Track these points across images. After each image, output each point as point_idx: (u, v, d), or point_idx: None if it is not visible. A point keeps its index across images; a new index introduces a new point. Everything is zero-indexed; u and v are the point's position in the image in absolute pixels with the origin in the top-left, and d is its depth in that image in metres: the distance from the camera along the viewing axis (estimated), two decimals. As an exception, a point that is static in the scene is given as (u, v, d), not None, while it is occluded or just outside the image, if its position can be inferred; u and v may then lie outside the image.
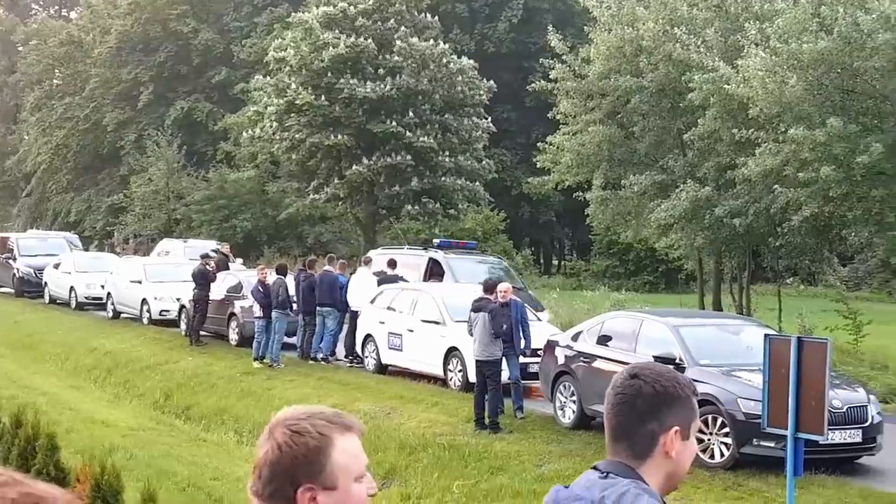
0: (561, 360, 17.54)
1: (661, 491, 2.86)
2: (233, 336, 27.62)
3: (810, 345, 8.42)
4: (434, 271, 27.47)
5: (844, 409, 13.92)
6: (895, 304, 44.81)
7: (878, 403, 15.12)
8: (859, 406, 14.26)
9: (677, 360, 14.99)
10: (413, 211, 46.82)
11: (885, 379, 21.58)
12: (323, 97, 43.66)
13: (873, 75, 23.56)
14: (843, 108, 24.35)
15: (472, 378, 18.93)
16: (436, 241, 30.71)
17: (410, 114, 44.58)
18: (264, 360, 24.06)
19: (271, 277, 24.57)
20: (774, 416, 8.65)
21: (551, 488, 2.93)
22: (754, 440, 13.53)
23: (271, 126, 45.43)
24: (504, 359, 17.58)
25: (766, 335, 9.10)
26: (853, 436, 14.04)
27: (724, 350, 15.85)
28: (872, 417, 14.34)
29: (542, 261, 74.87)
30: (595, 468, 2.89)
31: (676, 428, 2.84)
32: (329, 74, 43.84)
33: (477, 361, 17.38)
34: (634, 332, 16.71)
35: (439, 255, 27.93)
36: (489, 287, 17.83)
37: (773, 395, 8.63)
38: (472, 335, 17.58)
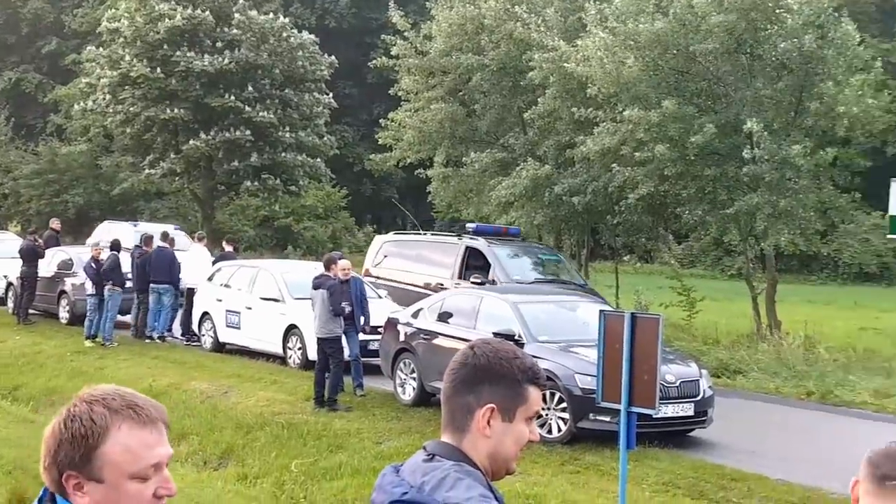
0: (401, 338, 17.54)
1: (488, 471, 2.79)
2: (63, 314, 26.86)
3: (643, 320, 8.55)
4: (471, 264, 23.16)
5: (677, 384, 14.25)
6: (727, 281, 46.22)
7: (710, 378, 15.51)
8: (691, 380, 14.62)
9: (517, 337, 15.13)
10: (252, 187, 46.27)
11: (717, 354, 22.22)
12: (159, 70, 42.75)
13: (707, 57, 24.12)
14: (678, 89, 24.89)
15: (312, 356, 18.81)
16: (471, 225, 25.21)
17: (250, 88, 43.99)
18: (96, 339, 23.45)
19: (105, 254, 23.92)
20: (609, 390, 8.76)
21: (385, 468, 2.85)
22: (591, 415, 13.75)
23: (104, 99, 44.25)
24: (344, 336, 17.49)
25: (601, 311, 9.22)
26: (685, 409, 14.38)
27: (562, 326, 16.06)
28: (704, 391, 14.71)
29: (383, 238, 74.81)
30: (424, 448, 2.82)
31: (492, 406, 2.75)
32: (165, 46, 42.92)
33: (318, 339, 17.25)
34: (475, 309, 16.80)
35: (480, 243, 23.46)
36: (328, 263, 17.69)
37: (608, 371, 8.74)
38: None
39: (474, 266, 22.84)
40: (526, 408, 2.81)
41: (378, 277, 24.30)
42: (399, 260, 24.66)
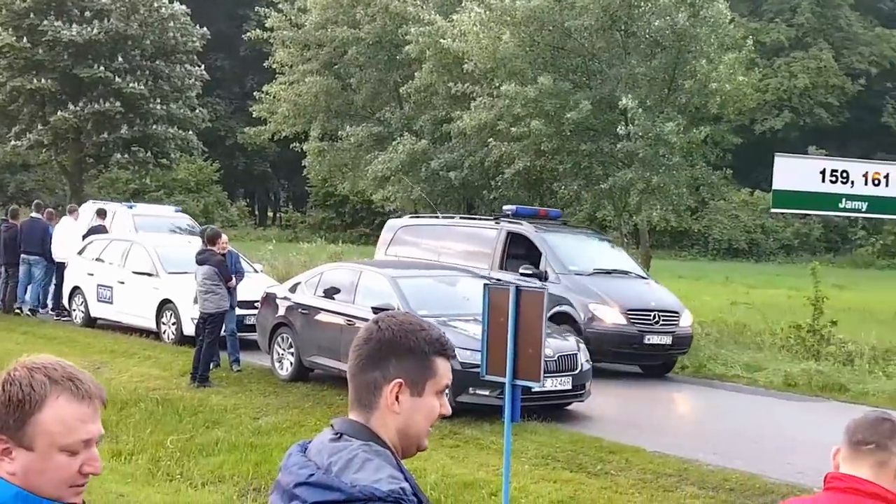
0: (279, 312, 17.36)
1: (398, 449, 2.73)
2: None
3: (527, 294, 8.56)
4: (513, 252, 20.14)
5: (556, 358, 14.35)
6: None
7: (587, 351, 15.69)
8: (570, 354, 14.75)
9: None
10: (123, 160, 45.31)
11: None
12: (25, 39, 41.51)
13: (582, 34, 24.34)
14: (554, 65, 25.08)
15: (188, 331, 18.48)
16: (509, 207, 21.43)
17: (119, 59, 43.00)
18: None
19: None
20: (493, 364, 8.77)
21: (292, 446, 2.76)
22: (470, 389, 13.78)
23: (-32, 68, 42.81)
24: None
25: (485, 284, 9.21)
26: (564, 383, 14.50)
27: (441, 301, 16.04)
28: (582, 365, 14.86)
29: (257, 212, 74.33)
30: (331, 426, 2.74)
31: (399, 380, 2.68)
32: (31, 15, 41.69)
33: (203, 314, 16.92)
34: (353, 284, 16.69)
35: (526, 228, 20.12)
36: (214, 238, 17.37)
37: (493, 344, 8.75)
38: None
39: (517, 255, 19.97)
40: (435, 381, 2.74)
41: None
42: (418, 250, 21.44)
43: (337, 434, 2.68)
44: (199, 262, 16.87)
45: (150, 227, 26.00)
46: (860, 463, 3.32)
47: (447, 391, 2.86)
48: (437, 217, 23.12)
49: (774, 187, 14.73)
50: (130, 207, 28.82)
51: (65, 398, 2.41)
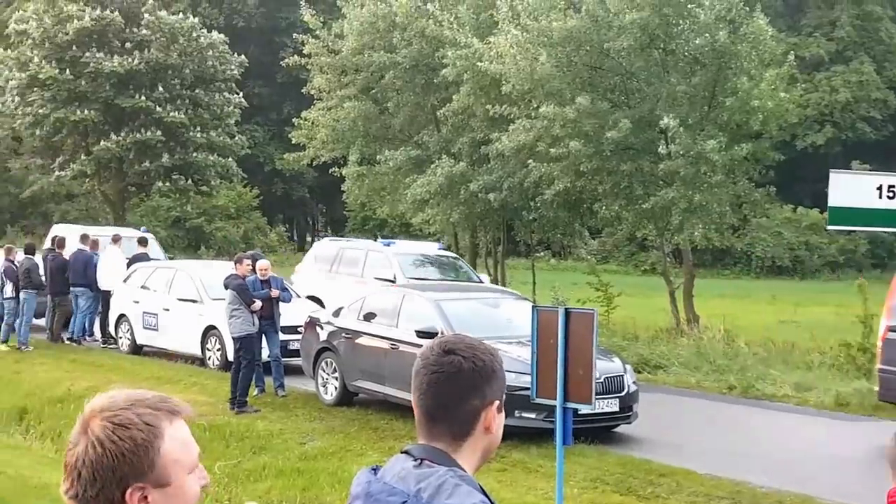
0: (322, 337, 17.35)
1: (477, 468, 2.73)
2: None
3: (577, 315, 8.51)
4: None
5: (602, 379, 14.22)
6: (641, 276, 46.70)
7: (633, 373, 15.56)
8: (616, 376, 14.64)
9: (439, 334, 15.02)
10: (164, 188, 45.80)
11: (637, 349, 22.26)
12: (68, 71, 42.09)
13: (620, 53, 24.25)
14: (591, 85, 25.00)
15: (231, 357, 18.54)
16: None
17: (160, 88, 43.48)
18: (9, 343, 22.92)
19: (19, 257, 23.44)
20: (543, 386, 8.71)
21: (359, 473, 2.72)
22: (517, 412, 13.70)
23: (13, 101, 43.46)
24: (264, 336, 17.28)
25: (533, 306, 9.17)
26: (611, 405, 14.39)
27: (485, 323, 15.95)
28: (628, 387, 14.74)
29: (296, 237, 74.50)
30: (408, 453, 2.70)
31: (497, 401, 2.73)
32: (74, 48, 42.28)
33: (233, 338, 17.00)
34: (396, 307, 16.66)
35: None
36: (236, 261, 17.52)
37: (542, 367, 8.68)
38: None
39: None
40: (505, 390, 2.83)
41: None
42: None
43: (418, 460, 2.65)
44: (225, 287, 17.00)
45: None
46: None
47: None
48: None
49: (830, 204, 14.49)
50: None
51: (169, 421, 2.31)
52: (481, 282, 23.01)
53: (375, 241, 25.66)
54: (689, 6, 23.34)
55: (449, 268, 23.97)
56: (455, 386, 2.69)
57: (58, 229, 27.98)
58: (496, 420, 2.73)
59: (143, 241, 25.04)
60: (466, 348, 2.74)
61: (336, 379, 17.04)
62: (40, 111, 42.96)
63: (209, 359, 20.52)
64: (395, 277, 22.05)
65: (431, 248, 25.93)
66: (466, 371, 2.69)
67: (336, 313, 17.64)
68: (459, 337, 2.83)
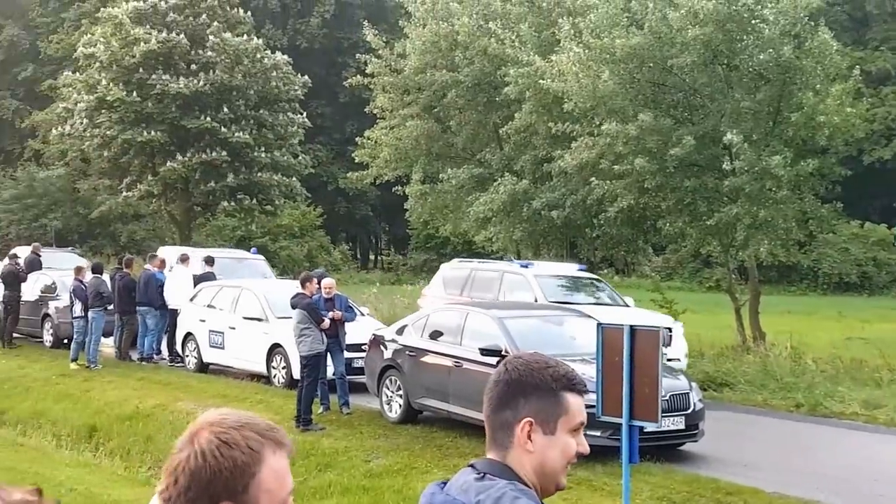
0: (387, 355, 17.42)
1: (537, 488, 2.72)
2: (47, 337, 26.74)
3: (642, 332, 8.49)
4: None
5: (667, 397, 14.16)
6: (705, 293, 46.32)
7: (699, 391, 15.46)
8: (681, 393, 14.55)
9: (503, 352, 15.02)
10: (229, 207, 46.23)
11: (702, 366, 22.12)
12: (135, 93, 42.69)
13: (683, 69, 24.15)
14: (654, 102, 24.92)
15: (297, 375, 18.65)
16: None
17: (225, 109, 43.95)
18: (79, 361, 23.28)
19: (87, 276, 23.83)
20: (609, 404, 8.69)
21: (428, 486, 2.77)
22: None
23: (81, 123, 44.16)
24: (329, 354, 17.39)
25: (599, 324, 9.15)
26: (676, 423, 14.31)
27: (549, 340, 15.91)
28: (694, 405, 14.64)
29: (359, 256, 74.85)
30: (472, 466, 2.74)
31: (529, 419, 2.70)
32: (141, 70, 42.87)
33: (302, 357, 17.14)
34: (460, 325, 16.69)
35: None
36: (303, 281, 17.63)
37: (607, 384, 8.68)
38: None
39: None
40: (567, 418, 2.74)
41: None
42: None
43: (480, 473, 2.69)
44: (292, 306, 17.11)
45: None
46: None
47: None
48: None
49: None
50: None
51: (271, 451, 2.33)
52: (627, 305, 21.44)
53: (511, 261, 23.88)
54: (753, 21, 23.18)
55: (590, 289, 22.45)
56: (492, 395, 2.75)
57: (164, 251, 28.19)
58: (538, 440, 2.71)
59: (209, 261, 25.33)
60: (516, 362, 2.77)
61: (400, 396, 17.10)
62: (108, 133, 43.58)
63: (274, 377, 20.66)
64: (536, 300, 20.67)
65: (570, 268, 24.15)
66: (502, 382, 2.74)
67: (400, 331, 17.71)
68: (531, 353, 2.86)
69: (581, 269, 23.88)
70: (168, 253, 27.76)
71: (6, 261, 28.03)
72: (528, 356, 2.82)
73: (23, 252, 32.84)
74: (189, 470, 2.29)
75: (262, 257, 29.56)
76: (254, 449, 2.30)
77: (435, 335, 16.96)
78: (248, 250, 31.44)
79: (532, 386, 2.71)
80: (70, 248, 35.84)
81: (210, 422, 2.34)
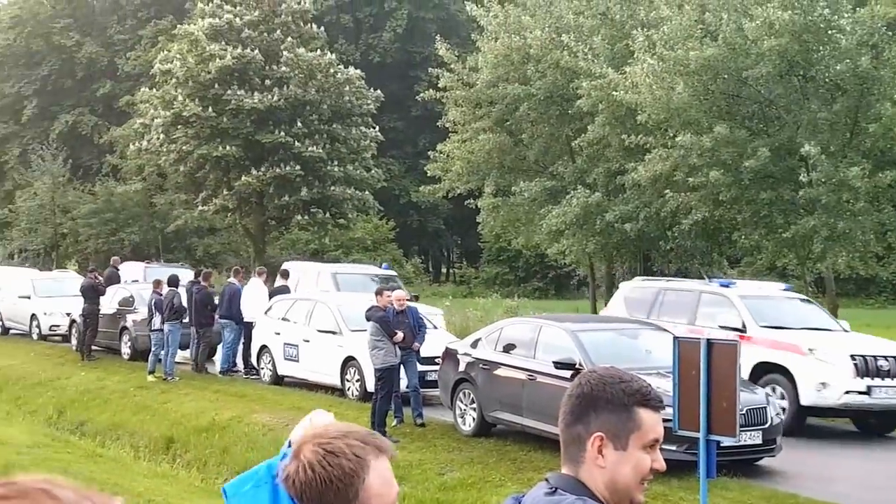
0: (460, 368, 17.43)
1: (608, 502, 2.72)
2: (125, 350, 27.08)
3: (720, 346, 8.43)
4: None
5: (744, 411, 14.00)
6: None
7: (777, 405, 15.27)
8: (759, 407, 14.38)
9: (577, 365, 14.96)
10: (303, 221, 46.52)
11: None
12: (210, 108, 43.16)
13: (759, 81, 23.95)
14: (729, 114, 24.76)
15: (371, 387, 18.72)
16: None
17: (299, 124, 44.27)
18: (156, 374, 23.59)
19: (163, 289, 24.17)
20: (685, 418, 8.64)
21: (505, 500, 2.78)
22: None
23: (158, 138, 44.73)
24: (403, 366, 17.45)
25: (675, 337, 9.10)
26: (753, 437, 14.14)
27: (623, 354, 15.83)
28: (772, 419, 14.47)
29: (431, 269, 75.00)
30: (546, 481, 2.75)
31: (599, 434, 2.67)
32: (216, 86, 43.34)
33: (375, 370, 17.24)
34: (533, 338, 16.65)
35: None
36: (377, 293, 17.77)
37: (684, 398, 8.62)
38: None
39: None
40: (640, 434, 2.69)
41: None
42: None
43: (552, 488, 2.68)
44: (367, 319, 17.21)
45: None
46: None
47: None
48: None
49: None
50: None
51: (377, 457, 2.38)
52: (846, 330, 19.16)
53: (708, 280, 20.87)
54: (829, 32, 22.94)
55: (805, 312, 19.75)
56: (565, 410, 2.75)
57: (289, 266, 28.34)
58: (610, 455, 2.68)
59: (284, 274, 25.52)
60: (590, 376, 2.75)
61: (474, 410, 17.08)
62: (184, 148, 44.15)
63: (348, 389, 20.75)
64: (744, 326, 18.13)
65: (775, 288, 21.25)
66: (574, 396, 2.73)
67: (473, 344, 17.71)
68: (607, 367, 2.86)
69: (787, 289, 21.14)
70: (294, 267, 28.00)
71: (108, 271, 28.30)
72: (603, 370, 2.80)
73: (131, 267, 33.23)
74: (299, 483, 2.35)
75: (394, 272, 29.60)
76: (358, 455, 2.35)
77: (508, 348, 16.94)
78: (379, 265, 31.59)
79: (604, 400, 2.68)
80: (180, 263, 35.96)
81: (312, 435, 2.41)
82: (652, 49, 25.36)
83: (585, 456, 2.69)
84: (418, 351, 17.89)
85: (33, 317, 31.52)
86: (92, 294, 26.54)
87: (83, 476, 14.61)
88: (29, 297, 31.82)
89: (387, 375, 16.94)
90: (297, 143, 43.67)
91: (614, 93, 26.08)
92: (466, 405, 17.26)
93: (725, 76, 24.39)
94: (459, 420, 17.36)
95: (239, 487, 2.78)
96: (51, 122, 66.86)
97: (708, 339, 8.46)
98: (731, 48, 23.85)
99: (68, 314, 29.20)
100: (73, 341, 28.58)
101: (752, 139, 23.87)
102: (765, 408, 14.48)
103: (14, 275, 36.55)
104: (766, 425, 14.33)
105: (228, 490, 2.80)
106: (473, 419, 17.09)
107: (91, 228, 55.40)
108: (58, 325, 30.42)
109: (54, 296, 31.10)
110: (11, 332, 33.02)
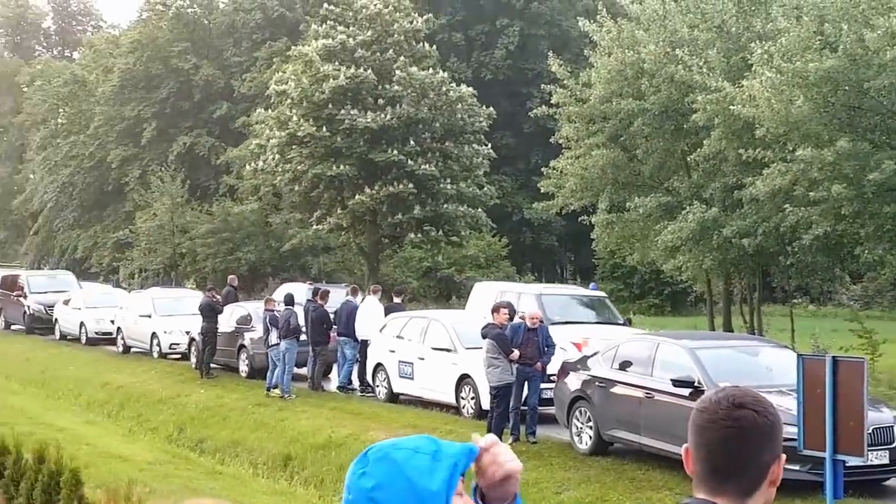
0: (576, 385, 17.30)
1: None
2: (243, 368, 27.51)
3: (846, 364, 8.20)
4: None
5: (870, 430, 13.62)
6: (906, 322, 44.50)
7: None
8: (885, 427, 13.98)
9: (696, 383, 14.73)
10: (416, 239, 46.70)
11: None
12: (324, 128, 43.62)
13: (881, 92, 23.39)
14: (851, 126, 24.20)
15: (486, 405, 18.68)
16: None
17: (411, 142, 44.51)
18: (274, 391, 23.87)
19: (276, 307, 24.50)
20: (810, 437, 8.41)
21: None
22: (781, 463, 13.26)
23: (273, 158, 45.34)
24: (526, 382, 17.39)
25: (799, 355, 8.89)
26: (880, 457, 13.74)
27: (743, 371, 15.56)
28: (898, 438, 14.06)
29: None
30: None
31: (783, 454, 2.74)
32: (330, 106, 43.80)
33: (491, 387, 17.19)
34: (650, 356, 16.46)
35: None
36: (493, 310, 17.75)
37: (809, 417, 8.40)
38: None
39: None
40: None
41: None
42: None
43: None
44: (483, 336, 17.17)
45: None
46: None
47: None
48: None
49: None
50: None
51: None
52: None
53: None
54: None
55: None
56: (751, 441, 2.68)
57: (479, 287, 28.17)
58: (780, 473, 2.73)
59: (399, 292, 25.63)
60: (755, 402, 2.73)
61: (590, 428, 16.94)
62: (299, 167, 44.66)
63: (463, 407, 20.74)
64: None
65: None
66: (761, 426, 2.68)
67: (590, 362, 17.57)
68: (743, 390, 2.81)
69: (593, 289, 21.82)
70: (483, 288, 27.65)
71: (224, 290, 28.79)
72: (750, 392, 2.79)
73: (295, 288, 32.35)
74: None
75: (603, 293, 29.05)
76: None
77: (624, 366, 16.77)
78: (587, 286, 31.38)
79: (780, 423, 2.76)
80: (343, 284, 36.04)
81: None
82: (770, 61, 24.90)
83: (766, 481, 2.70)
84: (544, 370, 17.80)
85: (154, 335, 32.22)
86: (210, 313, 27.01)
87: (204, 493, 14.82)
88: (150, 316, 32.55)
89: (503, 393, 16.90)
90: (409, 162, 43.89)
91: (731, 106, 25.66)
92: (583, 423, 17.13)
93: (846, 88, 23.83)
94: (576, 438, 17.23)
95: None
96: (169, 143, 68.31)
97: (834, 357, 8.23)
98: (852, 59, 23.31)
99: (187, 332, 29.77)
100: (193, 359, 29.11)
101: (875, 152, 23.29)
102: (891, 427, 14.07)
103: (134, 295, 37.41)
104: (893, 445, 13.93)
105: None
106: (590, 437, 16.95)
107: (209, 248, 56.37)
108: (177, 344, 31.05)
109: (174, 314, 31.76)
110: (133, 350, 33.79)
